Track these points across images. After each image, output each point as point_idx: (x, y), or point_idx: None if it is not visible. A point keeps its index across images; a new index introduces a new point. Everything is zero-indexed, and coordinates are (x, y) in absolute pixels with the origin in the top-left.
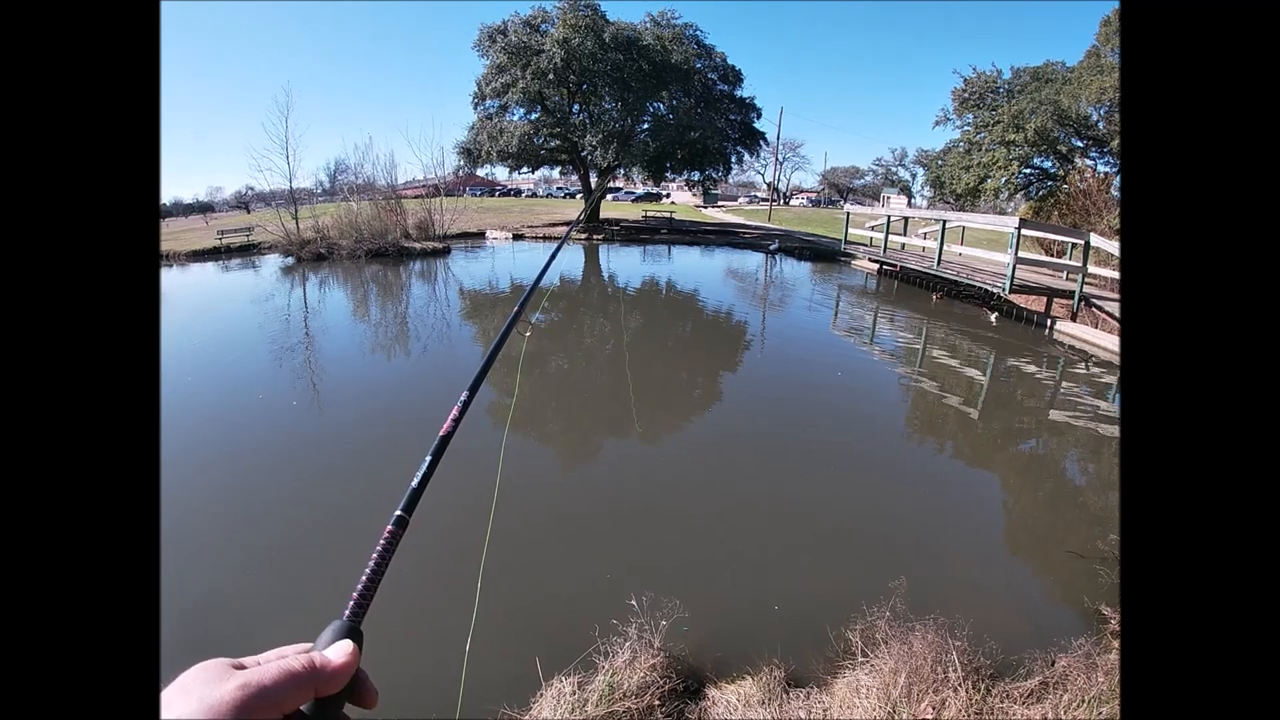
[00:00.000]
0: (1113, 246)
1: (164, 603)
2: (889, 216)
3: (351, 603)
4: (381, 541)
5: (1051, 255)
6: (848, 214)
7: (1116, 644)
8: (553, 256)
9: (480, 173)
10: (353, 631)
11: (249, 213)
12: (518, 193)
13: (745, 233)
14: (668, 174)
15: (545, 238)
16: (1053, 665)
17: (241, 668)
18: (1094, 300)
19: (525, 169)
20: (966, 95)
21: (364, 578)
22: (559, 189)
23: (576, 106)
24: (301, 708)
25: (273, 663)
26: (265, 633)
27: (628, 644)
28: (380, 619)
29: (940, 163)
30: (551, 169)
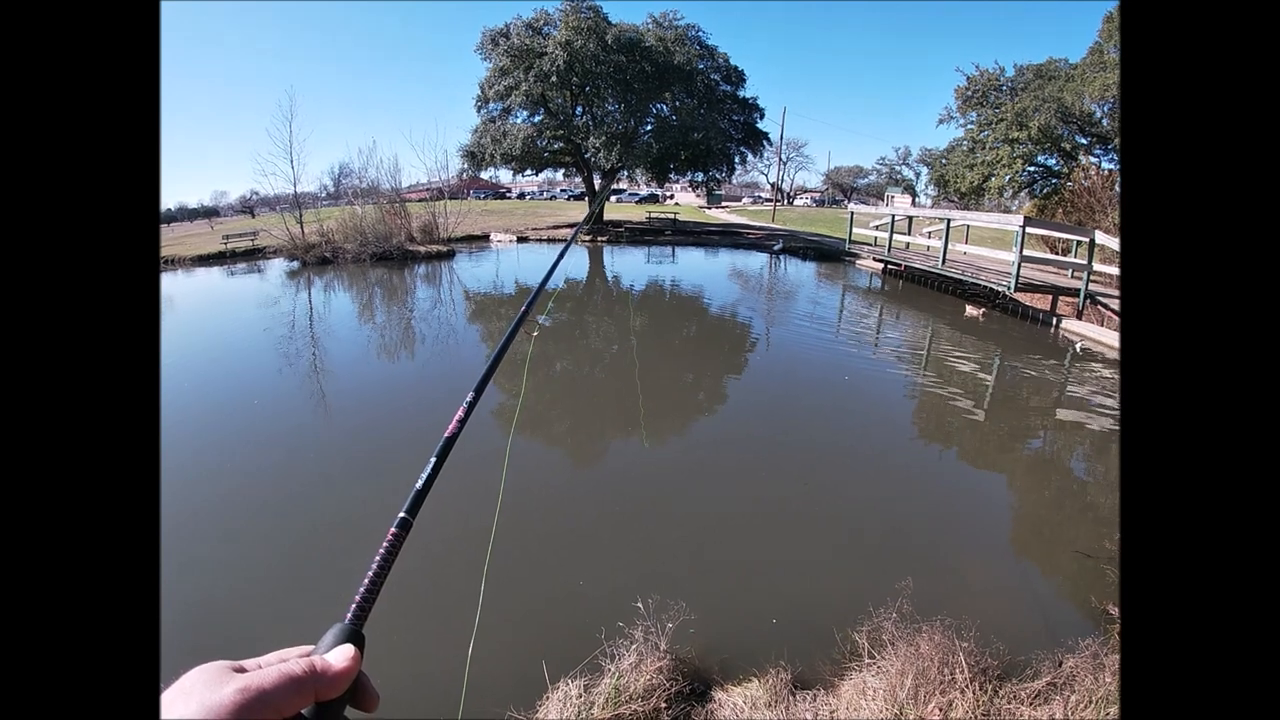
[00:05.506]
0: (1117, 244)
1: (164, 604)
2: (893, 216)
3: (354, 606)
4: (384, 544)
5: (1056, 253)
6: (851, 213)
7: None
8: (559, 258)
9: (484, 176)
10: (354, 635)
11: (254, 217)
12: (522, 195)
13: (749, 233)
14: (671, 175)
15: (550, 240)
16: (1060, 666)
17: (242, 670)
18: (1099, 298)
19: (529, 171)
20: (969, 93)
21: (366, 580)
22: (562, 191)
23: (579, 108)
24: (302, 711)
25: (273, 666)
26: (266, 635)
27: (634, 646)
28: (382, 620)
29: (944, 161)
30: (555, 171)
